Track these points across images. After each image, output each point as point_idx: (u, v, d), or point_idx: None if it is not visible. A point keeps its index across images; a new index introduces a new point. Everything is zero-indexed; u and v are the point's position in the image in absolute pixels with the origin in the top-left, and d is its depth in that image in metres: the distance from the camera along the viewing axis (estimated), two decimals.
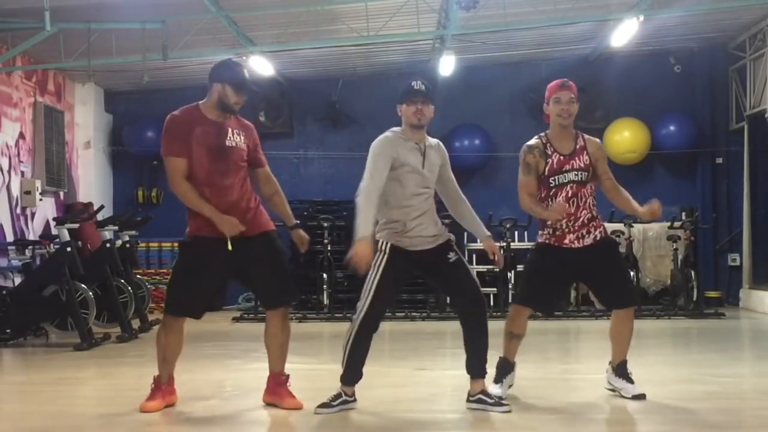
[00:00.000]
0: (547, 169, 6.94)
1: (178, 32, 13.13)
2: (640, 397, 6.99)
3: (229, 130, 6.71)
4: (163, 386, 6.84)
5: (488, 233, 6.94)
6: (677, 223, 15.43)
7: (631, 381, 7.11)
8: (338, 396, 6.67)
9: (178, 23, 13.02)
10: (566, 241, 6.97)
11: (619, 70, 16.81)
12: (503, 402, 6.71)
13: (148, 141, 17.24)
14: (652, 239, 16.12)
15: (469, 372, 6.75)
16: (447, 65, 15.92)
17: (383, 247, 6.57)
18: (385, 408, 6.86)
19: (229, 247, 6.57)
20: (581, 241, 6.97)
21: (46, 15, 11.69)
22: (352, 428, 6.36)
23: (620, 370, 7.16)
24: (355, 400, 6.73)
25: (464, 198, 7.00)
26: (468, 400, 6.74)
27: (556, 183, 6.94)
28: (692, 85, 17.24)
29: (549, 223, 6.97)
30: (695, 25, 15.45)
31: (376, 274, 6.53)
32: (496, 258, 6.85)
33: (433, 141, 6.81)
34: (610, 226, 14.94)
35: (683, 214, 16.46)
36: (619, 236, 14.95)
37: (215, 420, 6.59)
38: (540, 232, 7.12)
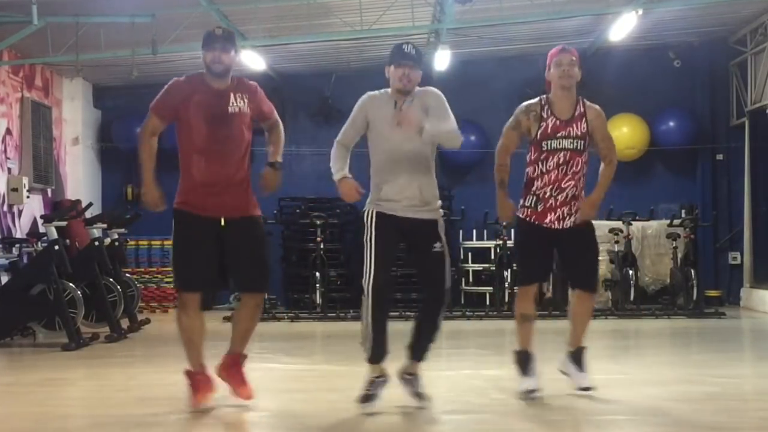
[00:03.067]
0: (539, 132, 6.95)
1: (168, 26, 13.07)
2: (587, 389, 6.98)
3: (231, 95, 6.73)
4: (198, 376, 6.76)
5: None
6: (677, 221, 15.43)
7: (582, 369, 7.12)
8: (371, 385, 6.60)
9: (168, 17, 12.96)
10: (547, 220, 7.00)
11: (618, 64, 16.76)
12: (424, 395, 6.67)
13: (137, 137, 17.06)
14: (652, 237, 16.05)
15: (409, 353, 6.79)
16: (442, 60, 15.80)
17: (368, 218, 6.61)
18: (385, 408, 6.74)
19: (221, 224, 6.64)
20: (561, 222, 6.98)
21: (34, 9, 11.63)
22: (352, 428, 6.32)
23: (576, 356, 7.18)
24: (386, 377, 6.65)
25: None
26: (401, 377, 6.76)
27: (549, 147, 6.93)
28: (692, 80, 17.23)
29: (532, 189, 7.00)
30: (695, 19, 15.45)
31: (370, 247, 6.54)
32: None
33: (419, 90, 6.74)
34: (608, 224, 14.99)
35: (683, 211, 16.48)
36: (617, 234, 14.86)
37: (214, 420, 6.55)
38: (521, 202, 7.10)
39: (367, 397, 6.56)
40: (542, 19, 13.90)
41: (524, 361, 7.14)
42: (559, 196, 6.93)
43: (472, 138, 16.86)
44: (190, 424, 6.48)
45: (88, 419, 6.68)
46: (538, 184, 6.97)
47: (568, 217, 6.96)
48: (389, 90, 6.72)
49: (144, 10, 12.74)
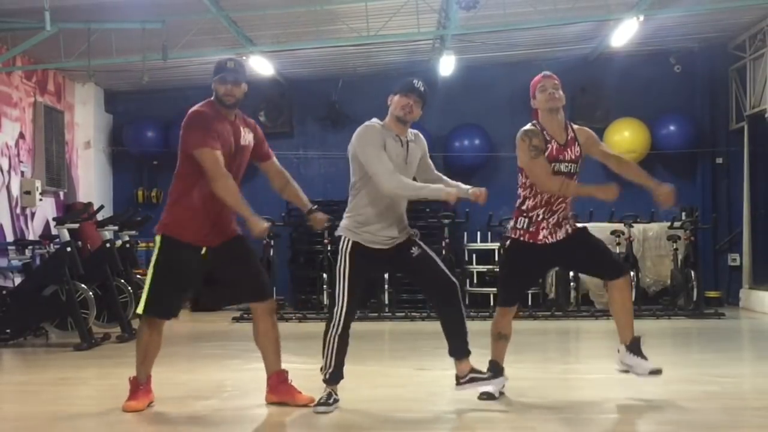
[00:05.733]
0: (546, 155, 6.92)
1: (178, 32, 13.14)
2: (656, 372, 6.94)
3: (242, 129, 6.78)
4: (141, 386, 6.87)
5: (446, 186, 6.77)
6: (677, 223, 15.42)
7: (644, 357, 7.02)
8: (330, 395, 6.73)
9: (178, 23, 13.02)
10: (540, 237, 6.97)
11: (619, 70, 16.82)
12: (497, 373, 6.79)
13: (148, 141, 17.28)
14: (652, 239, 16.09)
15: (453, 355, 6.85)
16: (447, 65, 15.93)
17: (344, 248, 6.65)
18: (385, 408, 6.88)
19: (204, 256, 6.68)
20: (554, 236, 6.98)
21: (46, 15, 11.69)
22: (353, 428, 6.38)
23: (633, 346, 7.06)
24: (338, 398, 6.78)
25: (440, 175, 7.00)
26: (459, 383, 6.84)
27: (552, 171, 6.93)
28: (692, 85, 17.24)
29: (524, 211, 6.98)
30: (695, 25, 15.46)
31: (343, 279, 6.61)
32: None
33: (412, 133, 6.87)
34: (609, 226, 15.07)
35: (683, 214, 16.44)
36: (618, 236, 14.96)
37: (215, 420, 6.60)
38: (512, 226, 7.10)
39: (323, 404, 6.65)
40: (545, 25, 13.97)
41: (494, 371, 7.12)
42: (551, 219, 6.94)
43: (477, 142, 17.06)
44: (199, 422, 6.54)
45: (100, 418, 6.68)
46: (529, 204, 6.96)
47: (559, 230, 6.97)
48: (383, 122, 6.74)
49: (154, 16, 12.77)
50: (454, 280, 6.80)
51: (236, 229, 6.88)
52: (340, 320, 6.61)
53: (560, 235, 6.99)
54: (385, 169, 6.46)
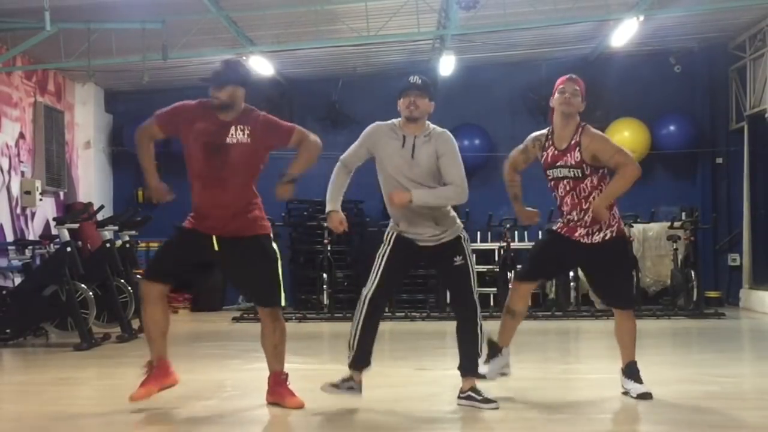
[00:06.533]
0: (543, 161, 7.09)
1: (178, 32, 13.15)
2: (645, 396, 6.99)
3: (232, 127, 6.71)
4: (154, 369, 6.84)
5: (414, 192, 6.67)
6: (677, 223, 15.44)
7: (638, 381, 7.11)
8: (348, 379, 6.77)
9: (178, 23, 13.04)
10: (576, 234, 7.03)
11: (619, 70, 16.82)
12: (491, 399, 6.77)
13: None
14: (652, 239, 16.13)
15: (460, 370, 6.89)
16: (447, 65, 15.95)
17: (388, 237, 6.82)
18: (385, 408, 6.87)
19: (215, 247, 6.71)
20: (590, 237, 7.01)
21: (46, 15, 11.71)
22: (352, 428, 6.39)
23: (628, 370, 7.18)
24: (360, 390, 6.80)
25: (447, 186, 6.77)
26: (459, 397, 6.86)
27: (553, 176, 7.05)
28: (692, 85, 17.25)
29: (563, 213, 7.11)
30: (695, 25, 15.48)
31: (381, 261, 6.76)
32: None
33: (435, 131, 6.83)
34: None
35: (683, 214, 16.48)
36: None
37: (215, 420, 6.59)
38: (558, 220, 7.24)
39: (333, 385, 6.73)
40: (545, 25, 14.00)
41: (491, 351, 7.22)
42: (586, 217, 6.97)
43: (477, 142, 17.05)
44: (199, 422, 6.53)
45: (100, 418, 6.68)
46: (565, 209, 7.06)
47: (597, 233, 6.99)
48: (397, 121, 6.80)
49: (154, 16, 12.79)
50: (475, 304, 6.80)
51: (257, 229, 6.83)
52: (365, 302, 6.70)
53: (596, 238, 7.02)
54: (341, 159, 6.99)
